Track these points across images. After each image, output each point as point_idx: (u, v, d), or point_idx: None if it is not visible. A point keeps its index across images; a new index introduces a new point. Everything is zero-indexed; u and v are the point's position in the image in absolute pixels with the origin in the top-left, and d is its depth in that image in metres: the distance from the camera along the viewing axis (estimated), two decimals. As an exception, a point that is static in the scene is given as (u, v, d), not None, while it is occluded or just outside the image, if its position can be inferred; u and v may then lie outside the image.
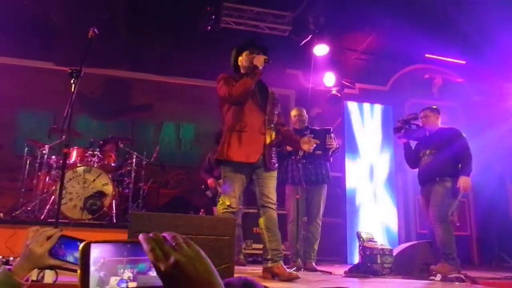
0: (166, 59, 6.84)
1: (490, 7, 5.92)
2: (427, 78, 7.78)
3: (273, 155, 3.36)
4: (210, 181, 5.16)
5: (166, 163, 6.42)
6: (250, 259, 5.51)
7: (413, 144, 4.63)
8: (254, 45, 3.51)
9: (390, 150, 7.01)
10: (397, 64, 7.59)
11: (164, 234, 0.69)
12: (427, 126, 4.42)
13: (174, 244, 0.67)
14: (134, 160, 5.72)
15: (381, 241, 6.23)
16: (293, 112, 4.84)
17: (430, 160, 4.27)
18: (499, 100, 7.00)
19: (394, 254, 4.11)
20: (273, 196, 3.30)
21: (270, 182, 3.31)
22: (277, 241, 3.25)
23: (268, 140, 3.31)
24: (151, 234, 0.69)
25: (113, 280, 0.73)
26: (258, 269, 4.72)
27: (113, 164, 5.62)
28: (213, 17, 6.37)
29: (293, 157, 4.48)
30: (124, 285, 0.73)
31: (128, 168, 5.76)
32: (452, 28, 6.15)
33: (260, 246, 5.62)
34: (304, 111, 4.84)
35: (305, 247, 4.49)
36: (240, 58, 3.48)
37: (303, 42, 6.74)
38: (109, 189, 5.12)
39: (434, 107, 4.55)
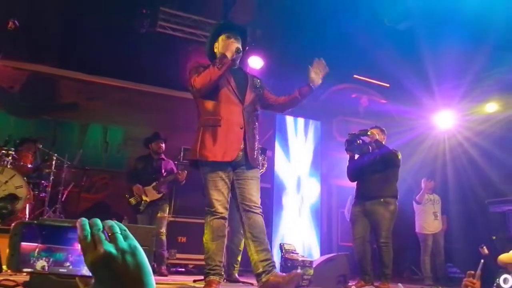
0: (96, 58, 6.56)
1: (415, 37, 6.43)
2: (354, 98, 8.20)
3: (256, 151, 2.98)
4: (135, 187, 5.00)
5: (90, 167, 6.12)
6: (173, 269, 5.40)
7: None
8: (231, 28, 3.09)
9: (318, 164, 7.27)
10: (328, 81, 7.91)
11: (106, 221, 0.65)
12: (373, 143, 4.58)
13: (109, 234, 0.63)
14: (54, 162, 5.40)
15: (303, 252, 6.42)
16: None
17: (375, 178, 4.42)
18: (415, 120, 7.59)
19: (314, 265, 4.24)
20: (256, 198, 2.91)
21: (252, 183, 2.92)
22: (266, 250, 2.83)
23: (249, 134, 2.93)
24: (91, 220, 0.65)
25: None
26: (179, 279, 4.64)
27: (29, 166, 5.24)
28: (149, 20, 6.24)
29: None
30: None
31: (47, 170, 5.41)
32: (377, 53, 6.56)
33: (185, 256, 5.57)
34: None
35: (229, 259, 4.48)
36: (216, 44, 3.06)
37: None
38: (23, 192, 4.76)
39: (383, 128, 4.77)
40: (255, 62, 6.76)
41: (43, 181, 5.35)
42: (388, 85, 8.05)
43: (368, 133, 4.55)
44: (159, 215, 4.99)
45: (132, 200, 4.99)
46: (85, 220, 0.65)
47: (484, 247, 4.84)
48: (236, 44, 2.95)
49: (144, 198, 4.95)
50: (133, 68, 6.68)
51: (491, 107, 7.12)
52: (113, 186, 6.56)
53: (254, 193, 2.91)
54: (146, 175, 5.09)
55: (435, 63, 6.94)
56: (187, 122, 6.88)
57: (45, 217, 4.99)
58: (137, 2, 6.25)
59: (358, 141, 4.53)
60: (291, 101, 3.19)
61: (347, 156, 4.78)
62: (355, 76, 7.75)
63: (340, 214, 7.40)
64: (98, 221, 0.65)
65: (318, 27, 6.13)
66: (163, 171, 5.15)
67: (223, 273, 2.90)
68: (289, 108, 3.33)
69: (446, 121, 7.77)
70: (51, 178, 5.33)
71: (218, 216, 2.82)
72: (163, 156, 5.29)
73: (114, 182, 6.59)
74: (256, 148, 3.00)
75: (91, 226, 0.63)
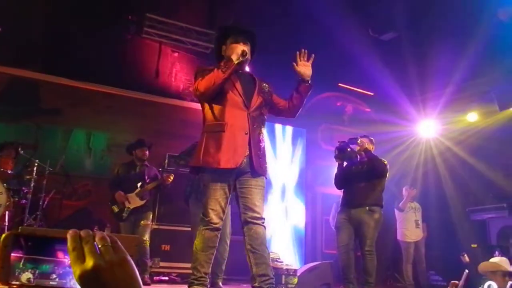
0: (81, 63, 6.50)
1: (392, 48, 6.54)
2: (339, 106, 8.28)
3: (261, 157, 2.85)
4: (117, 194, 4.94)
5: (72, 173, 6.02)
6: (157, 278, 5.34)
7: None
8: (239, 31, 3.00)
9: (303, 171, 7.30)
10: (313, 90, 7.98)
11: (97, 233, 0.64)
12: (363, 151, 4.62)
13: (99, 246, 0.62)
14: (35, 168, 5.30)
15: (290, 248, 6.42)
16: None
17: (362, 186, 4.46)
18: (398, 129, 7.70)
19: (298, 274, 4.25)
20: (260, 209, 2.80)
21: (256, 192, 2.81)
22: (265, 263, 2.74)
23: (254, 139, 2.82)
24: (82, 231, 0.63)
25: None
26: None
27: (9, 172, 5.14)
28: (135, 26, 6.21)
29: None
30: None
31: (28, 177, 5.30)
32: (362, 64, 6.66)
33: (169, 264, 5.52)
34: None
35: (213, 267, 4.44)
36: (223, 47, 2.99)
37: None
38: (2, 198, 4.68)
39: (371, 138, 4.82)
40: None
41: (23, 188, 5.25)
42: (372, 93, 8.16)
43: (358, 141, 4.60)
44: (142, 222, 4.93)
45: (115, 208, 4.92)
46: (75, 232, 0.64)
47: (465, 255, 4.92)
48: (242, 47, 2.86)
49: (127, 205, 4.89)
50: (118, 74, 6.63)
51: (472, 117, 7.26)
52: (96, 193, 6.45)
53: (257, 203, 2.80)
54: (129, 182, 5.03)
55: (418, 73, 7.07)
56: (172, 129, 6.86)
57: (25, 224, 4.90)
58: (123, 8, 6.22)
59: (348, 149, 4.57)
60: (295, 102, 3.08)
61: (332, 164, 4.81)
62: (340, 84, 7.83)
63: (325, 222, 7.42)
64: (89, 233, 0.64)
65: (303, 35, 6.19)
66: (146, 177, 5.11)
67: (208, 284, 2.83)
68: (297, 109, 3.15)
69: (428, 130, 7.90)
70: (32, 185, 5.22)
71: (211, 227, 2.75)
72: (146, 163, 5.24)
73: (97, 189, 6.47)
74: (262, 154, 2.88)
75: (81, 238, 0.63)
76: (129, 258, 0.64)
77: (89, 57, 6.34)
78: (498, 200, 6.43)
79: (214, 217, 2.74)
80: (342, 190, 4.70)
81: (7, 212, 4.75)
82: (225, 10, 6.63)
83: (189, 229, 4.77)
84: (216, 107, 2.83)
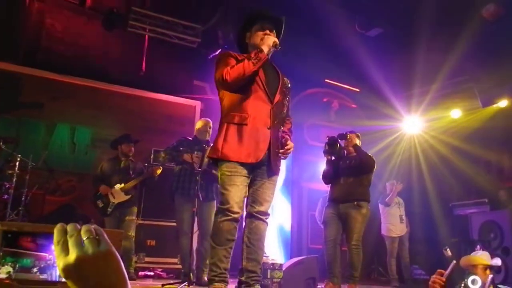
0: (64, 56, 6.39)
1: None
2: (325, 102, 8.30)
3: (278, 156, 2.77)
4: (102, 188, 4.88)
5: (56, 168, 5.93)
6: (142, 273, 5.32)
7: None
8: (267, 18, 2.84)
9: (289, 167, 7.31)
10: (299, 86, 8.00)
11: (84, 226, 0.64)
12: (352, 147, 4.64)
13: (84, 238, 0.61)
14: (17, 163, 5.20)
15: (276, 244, 6.43)
16: (201, 123, 4.76)
17: (350, 181, 4.48)
18: (383, 125, 7.78)
19: (284, 269, 4.26)
20: (268, 204, 2.73)
21: (269, 187, 2.74)
22: (256, 260, 2.69)
23: (274, 136, 2.71)
24: (68, 225, 0.63)
25: None
26: (147, 284, 4.57)
27: (-9, 167, 5.05)
28: (120, 19, 6.13)
29: (189, 168, 4.33)
30: None
31: (10, 172, 5.20)
32: (348, 60, 6.69)
33: (154, 259, 5.50)
34: (211, 122, 4.70)
35: (198, 262, 4.44)
36: (248, 34, 2.84)
37: (211, 56, 6.79)
38: (-17, 194, 4.58)
39: (358, 133, 4.84)
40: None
41: (5, 183, 5.15)
42: (358, 89, 8.20)
43: (347, 137, 4.63)
44: (127, 218, 4.88)
45: (99, 203, 4.86)
46: (62, 225, 0.63)
47: (448, 249, 4.99)
48: (274, 38, 2.71)
49: (111, 200, 4.84)
50: (102, 67, 6.54)
51: (456, 113, 7.37)
52: (80, 188, 6.37)
53: (267, 198, 2.74)
54: (113, 177, 4.98)
55: (404, 69, 7.13)
56: (158, 124, 6.80)
57: (7, 220, 4.81)
58: (108, 1, 6.13)
59: (338, 144, 4.59)
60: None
61: (318, 160, 4.84)
62: (326, 80, 7.86)
63: (311, 217, 7.47)
64: (75, 226, 0.63)
65: (290, 31, 6.18)
66: (131, 172, 5.06)
67: (228, 280, 2.70)
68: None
69: (413, 126, 7.99)
70: (14, 180, 5.12)
71: (230, 217, 2.58)
72: (131, 158, 5.19)
73: (81, 185, 6.40)
74: (278, 153, 2.77)
75: (66, 231, 0.62)
76: (114, 250, 0.63)
77: (72, 50, 6.24)
78: (480, 196, 6.55)
79: (235, 206, 2.57)
80: (330, 185, 4.72)
81: (-12, 208, 4.67)
82: (212, 4, 6.58)
83: (175, 224, 4.75)
84: (239, 97, 2.69)
